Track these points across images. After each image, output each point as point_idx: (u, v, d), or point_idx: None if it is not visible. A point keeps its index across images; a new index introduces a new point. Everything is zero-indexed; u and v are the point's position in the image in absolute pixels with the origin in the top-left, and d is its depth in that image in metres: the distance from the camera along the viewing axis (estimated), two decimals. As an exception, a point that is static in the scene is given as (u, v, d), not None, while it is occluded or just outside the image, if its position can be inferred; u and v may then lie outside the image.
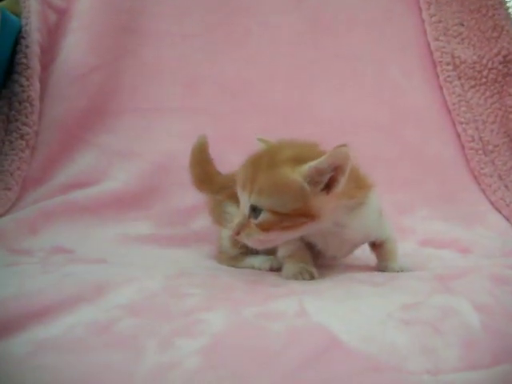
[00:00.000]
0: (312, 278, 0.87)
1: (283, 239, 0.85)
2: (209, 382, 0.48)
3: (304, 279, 0.86)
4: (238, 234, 0.81)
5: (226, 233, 1.04)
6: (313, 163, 0.78)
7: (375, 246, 0.97)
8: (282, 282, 0.83)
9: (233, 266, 1.03)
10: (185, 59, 1.56)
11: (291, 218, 0.79)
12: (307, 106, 1.57)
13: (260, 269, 1.00)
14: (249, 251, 1.02)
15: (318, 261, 0.94)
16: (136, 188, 1.35)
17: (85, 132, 1.43)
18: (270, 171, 0.79)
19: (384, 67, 1.63)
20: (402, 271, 0.94)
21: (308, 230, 0.82)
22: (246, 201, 0.80)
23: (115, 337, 0.55)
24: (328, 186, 0.79)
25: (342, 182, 0.79)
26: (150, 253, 1.10)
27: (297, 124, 1.54)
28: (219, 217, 1.06)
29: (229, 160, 1.19)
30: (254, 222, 0.79)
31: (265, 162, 0.80)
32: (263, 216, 0.79)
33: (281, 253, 0.92)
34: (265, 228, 0.79)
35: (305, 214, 0.79)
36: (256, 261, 1.01)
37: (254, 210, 0.79)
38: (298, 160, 0.80)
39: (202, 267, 0.95)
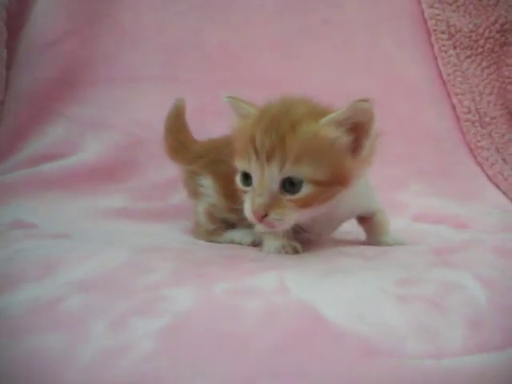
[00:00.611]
0: (296, 252, 0.79)
1: (314, 214, 0.73)
2: (163, 369, 0.39)
3: (287, 254, 0.78)
4: (264, 216, 0.68)
5: (202, 206, 0.95)
6: (330, 116, 0.68)
7: (364, 219, 0.89)
8: (263, 257, 0.75)
9: (211, 241, 0.94)
10: (164, 24, 1.46)
11: (329, 187, 0.69)
12: (294, 77, 1.47)
13: (241, 243, 0.91)
14: (228, 225, 0.93)
15: (300, 237, 0.86)
16: (110, 160, 1.26)
17: (56, 103, 1.33)
18: (299, 133, 0.66)
19: (376, 36, 1.54)
20: (395, 245, 0.86)
21: (335, 201, 0.72)
22: (274, 174, 0.67)
23: (58, 317, 0.46)
24: (352, 151, 0.70)
25: (367, 146, 0.70)
26: (121, 227, 1.01)
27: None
28: (194, 190, 0.97)
29: (210, 132, 1.11)
30: (289, 198, 0.68)
31: (285, 123, 0.67)
32: (306, 189, 0.67)
33: (259, 227, 0.83)
34: (306, 203, 0.68)
35: (340, 180, 0.69)
36: (236, 235, 0.92)
37: (291, 184, 0.67)
38: (316, 116, 0.69)
39: (178, 241, 0.87)
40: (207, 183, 0.93)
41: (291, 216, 0.68)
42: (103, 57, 1.39)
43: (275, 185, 0.68)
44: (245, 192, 0.72)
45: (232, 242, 0.92)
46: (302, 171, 0.67)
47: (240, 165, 0.72)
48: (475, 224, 1.11)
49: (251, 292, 0.55)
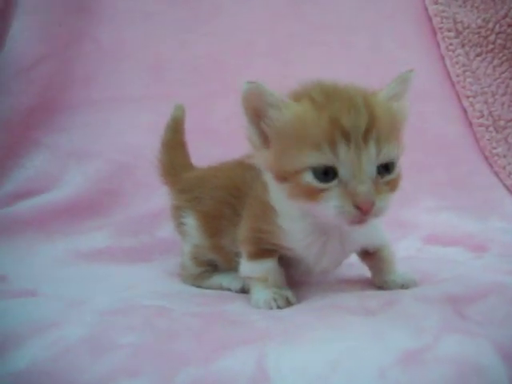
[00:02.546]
0: (288, 304, 0.69)
1: None
2: None
3: (279, 307, 0.69)
4: (373, 205, 0.58)
5: (187, 248, 0.86)
6: (384, 92, 0.64)
7: (368, 255, 0.78)
8: (246, 316, 0.64)
9: (198, 286, 0.85)
10: (147, 40, 1.36)
11: None
12: (288, 85, 1.36)
13: (230, 289, 0.82)
14: (215, 268, 0.84)
15: (298, 278, 0.76)
16: (93, 193, 1.16)
17: (34, 131, 1.24)
18: (381, 107, 0.61)
19: (376, 37, 1.42)
20: (405, 286, 0.74)
21: None
22: (372, 156, 0.58)
23: None
24: None
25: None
26: (99, 273, 0.91)
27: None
28: (178, 227, 0.88)
29: (202, 153, 1.03)
30: (385, 180, 0.60)
31: (362, 98, 0.60)
32: (397, 168, 0.62)
33: (245, 272, 0.73)
34: (397, 185, 0.62)
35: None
36: (225, 279, 0.83)
37: (383, 165, 0.60)
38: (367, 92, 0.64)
39: (155, 293, 0.76)
40: (190, 222, 0.84)
41: (390, 202, 0.60)
42: (82, 79, 1.30)
43: (374, 168, 0.59)
44: (322, 191, 0.59)
45: (220, 287, 0.83)
46: (393, 149, 0.60)
47: (316, 158, 0.58)
48: (494, 245, 1.00)
49: (220, 382, 0.45)
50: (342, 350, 0.49)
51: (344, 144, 0.57)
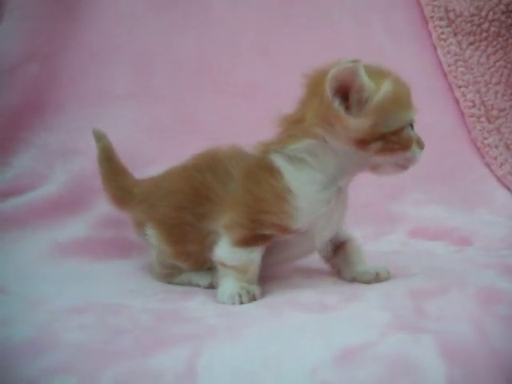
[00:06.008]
0: (253, 300, 0.69)
1: None
2: None
3: (242, 303, 0.68)
4: None
5: (154, 253, 0.86)
6: None
7: (335, 251, 0.78)
8: (201, 312, 0.63)
9: (168, 283, 0.84)
10: (136, 42, 1.34)
11: None
12: (276, 83, 1.35)
13: (198, 285, 0.81)
14: (181, 270, 0.83)
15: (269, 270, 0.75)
16: (77, 190, 1.15)
17: (21, 131, 1.24)
18: None
19: (366, 27, 1.39)
20: (379, 276, 0.74)
21: None
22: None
23: None
24: None
25: None
26: (72, 271, 0.91)
27: (265, 104, 1.32)
28: (142, 238, 0.87)
29: (190, 150, 1.01)
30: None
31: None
32: None
33: (224, 258, 0.72)
34: None
35: None
36: (194, 276, 0.82)
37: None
38: None
39: (120, 291, 0.76)
40: (150, 232, 0.82)
41: None
42: (70, 80, 1.28)
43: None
44: (413, 140, 0.72)
45: (189, 283, 0.82)
46: None
47: (413, 115, 0.73)
48: (478, 239, 0.98)
49: (147, 379, 0.44)
50: (279, 347, 0.48)
51: (412, 113, 0.73)
